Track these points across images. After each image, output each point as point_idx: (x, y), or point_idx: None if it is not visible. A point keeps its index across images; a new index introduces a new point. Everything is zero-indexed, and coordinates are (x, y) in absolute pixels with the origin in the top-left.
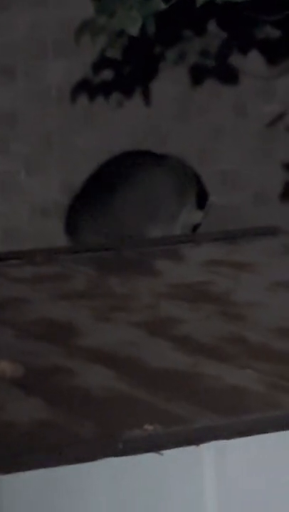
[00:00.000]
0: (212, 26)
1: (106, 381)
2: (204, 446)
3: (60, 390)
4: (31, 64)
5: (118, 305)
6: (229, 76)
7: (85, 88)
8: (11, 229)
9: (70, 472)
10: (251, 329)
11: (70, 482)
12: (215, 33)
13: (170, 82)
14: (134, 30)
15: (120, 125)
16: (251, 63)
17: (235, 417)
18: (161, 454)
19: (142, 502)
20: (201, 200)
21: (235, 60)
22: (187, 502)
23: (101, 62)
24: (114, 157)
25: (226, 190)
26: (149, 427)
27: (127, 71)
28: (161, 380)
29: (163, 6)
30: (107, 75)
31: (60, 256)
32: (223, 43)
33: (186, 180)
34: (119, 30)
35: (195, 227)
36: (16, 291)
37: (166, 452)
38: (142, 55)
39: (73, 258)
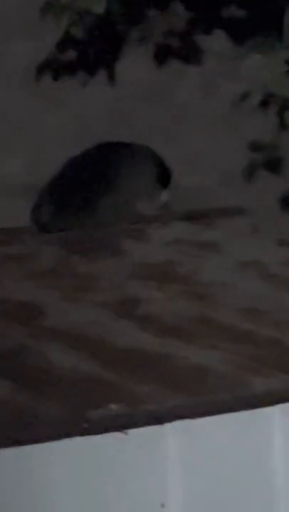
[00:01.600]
0: (177, 5)
1: (71, 361)
2: (169, 426)
3: (25, 369)
4: None
5: (84, 285)
6: (194, 56)
7: (50, 68)
8: None
9: (34, 451)
10: (218, 309)
11: (34, 461)
12: (179, 12)
13: (134, 62)
14: (98, 9)
15: (85, 105)
16: (216, 43)
17: (201, 397)
18: (126, 434)
19: (105, 481)
20: (165, 179)
21: (200, 39)
22: (152, 482)
23: (65, 42)
24: (78, 155)
25: (191, 170)
26: (114, 406)
27: (92, 50)
28: (127, 360)
29: None
30: (72, 54)
31: (25, 236)
32: (188, 22)
33: (150, 164)
34: (83, 9)
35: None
36: None
37: (131, 431)
38: (106, 35)
39: (38, 238)
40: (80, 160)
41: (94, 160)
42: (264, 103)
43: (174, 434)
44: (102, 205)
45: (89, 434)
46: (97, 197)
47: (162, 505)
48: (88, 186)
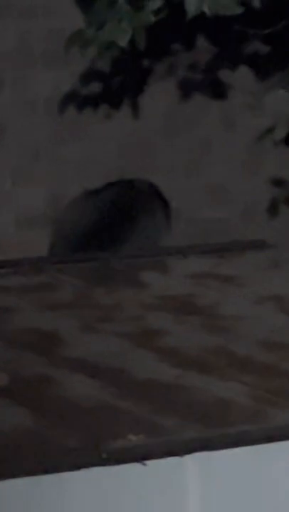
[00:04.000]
0: (201, 40)
1: (91, 391)
2: (188, 457)
3: (45, 399)
4: (19, 75)
5: (104, 316)
6: (218, 90)
7: (73, 100)
8: None
9: (54, 481)
10: (237, 342)
11: (54, 490)
12: (204, 47)
13: (158, 95)
14: (123, 42)
15: (108, 137)
16: (240, 78)
17: (220, 429)
18: (145, 465)
19: None
20: (167, 212)
21: (224, 74)
22: None
23: (90, 74)
24: (93, 191)
25: (214, 203)
26: (133, 437)
27: (116, 83)
28: (146, 391)
29: (153, 19)
30: (96, 86)
31: (46, 266)
32: (212, 57)
33: (156, 198)
34: (109, 42)
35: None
36: (2, 301)
37: (150, 463)
38: (130, 68)
39: (60, 268)
40: (95, 196)
41: (110, 196)
42: (287, 138)
43: (193, 465)
44: (123, 239)
45: (108, 464)
46: (117, 230)
47: None
48: (107, 221)
